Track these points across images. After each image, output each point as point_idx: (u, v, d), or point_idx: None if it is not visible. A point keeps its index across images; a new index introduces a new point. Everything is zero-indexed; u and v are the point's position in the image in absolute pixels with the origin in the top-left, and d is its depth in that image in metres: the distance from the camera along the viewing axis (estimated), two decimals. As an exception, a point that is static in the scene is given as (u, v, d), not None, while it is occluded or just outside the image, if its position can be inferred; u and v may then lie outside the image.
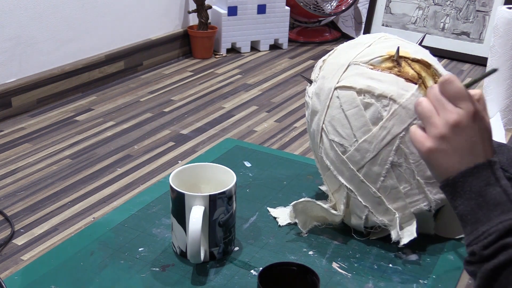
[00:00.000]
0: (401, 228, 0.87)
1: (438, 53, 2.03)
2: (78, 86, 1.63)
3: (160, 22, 1.93)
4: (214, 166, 0.89)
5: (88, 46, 1.68)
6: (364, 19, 2.32)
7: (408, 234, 0.87)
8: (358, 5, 2.37)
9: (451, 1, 2.08)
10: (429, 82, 0.83)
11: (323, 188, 1.04)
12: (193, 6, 1.99)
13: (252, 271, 0.83)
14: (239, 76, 1.81)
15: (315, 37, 2.33)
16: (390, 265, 0.86)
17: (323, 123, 0.88)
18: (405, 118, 0.82)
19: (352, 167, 0.86)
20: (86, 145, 1.29)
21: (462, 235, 0.84)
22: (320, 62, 0.93)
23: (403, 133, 0.83)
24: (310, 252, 0.88)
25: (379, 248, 0.89)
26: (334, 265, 0.85)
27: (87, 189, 1.09)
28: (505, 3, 1.96)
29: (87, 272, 0.83)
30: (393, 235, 0.86)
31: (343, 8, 2.27)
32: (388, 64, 0.84)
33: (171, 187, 0.83)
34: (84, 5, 1.64)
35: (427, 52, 0.88)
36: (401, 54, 0.84)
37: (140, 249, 0.88)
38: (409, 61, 0.84)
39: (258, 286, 0.69)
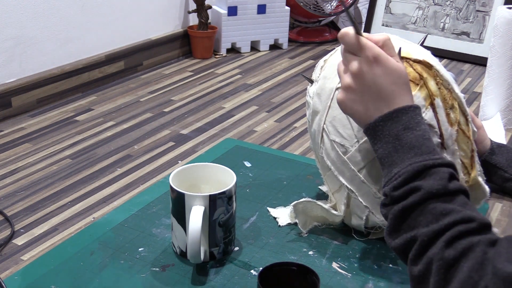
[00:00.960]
0: None
1: (438, 53, 2.03)
2: (78, 86, 1.63)
3: (160, 22, 1.93)
4: (214, 166, 0.90)
5: (88, 46, 1.68)
6: (364, 19, 2.32)
7: None
8: (358, 5, 2.37)
9: (451, 1, 2.08)
10: (430, 82, 0.83)
11: (324, 188, 1.04)
12: (193, 6, 1.99)
13: (252, 271, 0.83)
14: (239, 76, 1.81)
15: (315, 37, 2.33)
16: (390, 265, 0.86)
17: (324, 123, 0.88)
18: None
19: (353, 167, 0.86)
20: (86, 145, 1.29)
21: None
22: (321, 62, 0.93)
23: None
24: (310, 252, 0.88)
25: (379, 248, 0.89)
26: (334, 265, 0.85)
27: (87, 189, 1.09)
28: (505, 3, 1.96)
29: (87, 272, 0.83)
30: None
31: (343, 8, 2.27)
32: None
33: (171, 187, 0.83)
34: (84, 5, 1.64)
35: (428, 52, 0.88)
36: (403, 55, 0.84)
37: (140, 249, 0.88)
38: (411, 62, 0.84)
39: (258, 286, 0.69)
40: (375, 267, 0.85)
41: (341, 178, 0.88)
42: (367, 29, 2.25)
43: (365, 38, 0.73)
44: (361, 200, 0.87)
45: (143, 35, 1.87)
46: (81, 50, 1.66)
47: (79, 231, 0.94)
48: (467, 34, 2.03)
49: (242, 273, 0.83)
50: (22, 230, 0.96)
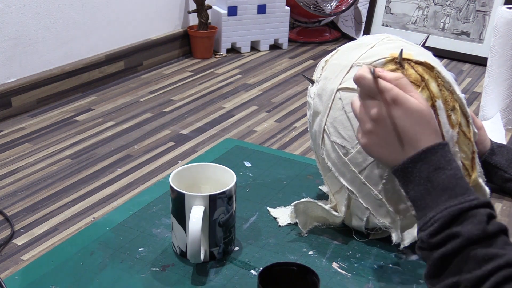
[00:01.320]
0: (403, 230, 0.87)
1: (438, 53, 2.03)
2: (78, 86, 1.63)
3: (160, 22, 1.93)
4: (214, 166, 0.89)
5: (88, 46, 1.68)
6: (364, 19, 2.32)
7: (409, 236, 0.86)
8: (358, 5, 2.36)
9: (451, 1, 2.08)
10: (432, 84, 0.83)
11: (324, 188, 1.04)
12: (193, 6, 1.99)
13: (252, 271, 0.83)
14: (239, 76, 1.81)
15: (315, 37, 2.33)
16: (390, 265, 0.86)
17: (325, 124, 0.88)
18: None
19: (353, 169, 0.86)
20: (86, 145, 1.29)
21: None
22: (322, 62, 0.93)
23: None
24: (310, 252, 0.88)
25: (379, 248, 0.89)
26: (334, 265, 0.85)
27: (87, 189, 1.09)
28: (505, 3, 1.96)
29: (87, 272, 0.83)
30: (394, 238, 0.86)
31: (343, 8, 2.27)
32: (391, 66, 0.83)
33: (171, 187, 0.83)
34: (84, 5, 1.64)
35: (430, 54, 0.88)
36: (404, 56, 0.83)
37: (140, 249, 0.88)
38: (412, 63, 0.83)
39: (258, 286, 0.69)
40: (375, 267, 0.85)
41: (341, 180, 0.88)
42: (367, 29, 2.25)
43: (381, 76, 0.72)
44: (361, 201, 0.87)
45: (143, 35, 1.87)
46: (81, 50, 1.66)
47: (79, 231, 0.94)
48: (467, 34, 2.03)
49: (242, 273, 0.83)
50: (22, 230, 0.96)
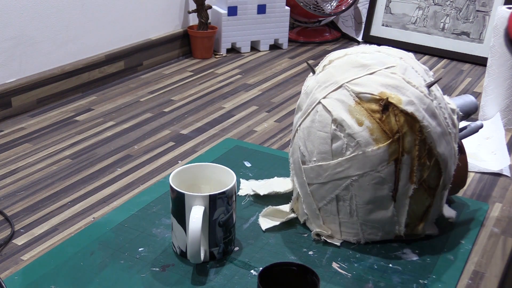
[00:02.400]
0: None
1: (438, 53, 2.03)
2: (78, 86, 1.63)
3: (160, 22, 1.93)
4: (214, 166, 0.90)
5: (88, 46, 1.68)
6: (364, 19, 2.32)
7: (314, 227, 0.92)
8: (358, 5, 2.36)
9: (451, 1, 2.08)
10: (407, 139, 0.81)
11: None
12: (193, 6, 1.99)
13: (252, 271, 0.83)
14: (239, 76, 1.81)
15: (315, 37, 2.33)
16: (390, 265, 0.86)
17: (299, 125, 0.89)
18: (363, 166, 0.82)
19: (304, 179, 0.88)
20: (86, 145, 1.28)
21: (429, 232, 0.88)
22: (327, 59, 0.91)
23: (356, 177, 0.83)
24: (310, 252, 0.88)
25: (379, 248, 0.89)
26: (334, 265, 0.85)
27: (87, 189, 1.09)
28: (505, 3, 1.96)
29: (87, 272, 0.83)
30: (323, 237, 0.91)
31: (343, 8, 2.27)
32: (374, 106, 0.82)
33: (171, 187, 0.83)
34: (84, 5, 1.64)
35: (429, 102, 0.84)
36: (393, 100, 0.81)
37: (140, 249, 0.88)
38: (397, 111, 0.81)
39: (258, 286, 0.69)
40: (375, 267, 0.85)
41: (294, 179, 0.92)
42: (367, 29, 2.25)
43: None
44: (304, 206, 0.91)
45: (143, 35, 1.87)
46: (81, 50, 1.66)
47: (79, 231, 0.94)
48: (467, 34, 2.03)
49: (242, 273, 0.83)
50: (22, 230, 0.96)
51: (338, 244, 0.89)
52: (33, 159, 1.22)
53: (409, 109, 0.81)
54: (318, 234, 0.91)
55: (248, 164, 1.14)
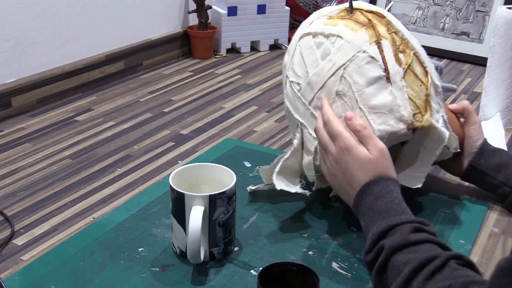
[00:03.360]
0: None
1: (438, 53, 2.03)
2: (78, 86, 1.63)
3: (160, 22, 1.93)
4: (214, 166, 0.90)
5: (88, 46, 1.68)
6: (364, 19, 2.32)
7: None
8: (358, 5, 2.37)
9: (451, 1, 2.08)
10: (380, 27, 0.91)
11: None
12: (193, 6, 1.99)
13: (252, 271, 0.83)
14: (239, 76, 1.81)
15: (315, 37, 2.33)
16: (390, 265, 0.85)
17: (287, 71, 0.97)
18: (349, 51, 0.90)
19: (304, 101, 0.93)
20: (86, 145, 1.28)
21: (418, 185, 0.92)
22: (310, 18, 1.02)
23: (347, 63, 0.90)
24: (310, 252, 0.88)
25: (379, 248, 0.89)
26: (334, 265, 0.85)
27: (87, 189, 1.09)
28: (505, 3, 1.95)
29: (87, 272, 0.83)
30: None
31: (343, 8, 2.28)
32: (343, 13, 0.95)
33: (171, 187, 0.83)
34: (84, 5, 1.64)
35: (387, 12, 0.96)
36: (357, 7, 0.94)
37: (140, 249, 0.88)
38: (363, 11, 0.94)
39: (258, 286, 0.69)
40: (375, 267, 0.85)
41: (295, 115, 0.95)
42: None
43: (351, 119, 0.83)
44: (310, 132, 0.93)
45: (143, 35, 1.87)
46: (81, 50, 1.66)
47: (79, 231, 0.94)
48: (467, 34, 2.03)
49: (242, 273, 0.83)
50: (22, 230, 0.96)
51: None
52: (33, 159, 1.22)
53: (375, 8, 0.94)
54: None
55: (248, 164, 1.14)
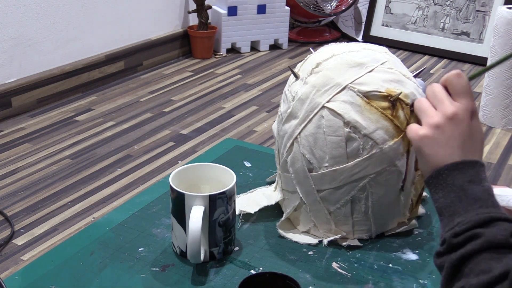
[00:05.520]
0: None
1: (438, 53, 2.03)
2: (78, 86, 1.63)
3: (160, 22, 1.93)
4: (214, 166, 0.89)
5: (88, 46, 1.68)
6: (364, 19, 2.32)
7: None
8: (358, 5, 2.36)
9: (451, 1, 2.08)
10: None
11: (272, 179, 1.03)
12: (193, 6, 1.99)
13: (252, 271, 0.83)
14: (239, 76, 1.81)
15: (315, 37, 2.33)
16: (390, 265, 0.86)
17: (299, 134, 0.86)
18: (380, 163, 0.83)
19: (313, 186, 0.86)
20: (86, 145, 1.28)
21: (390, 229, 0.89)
22: (312, 61, 0.89)
23: (374, 175, 0.84)
24: (310, 252, 0.88)
25: (379, 248, 0.89)
26: (334, 265, 0.85)
27: (87, 189, 1.09)
28: (505, 3, 1.95)
29: (87, 272, 0.83)
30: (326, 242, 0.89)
31: (343, 8, 2.27)
32: (383, 103, 0.82)
33: (171, 187, 0.83)
34: (84, 5, 1.64)
35: (420, 91, 0.87)
36: (402, 95, 0.83)
37: (140, 249, 0.88)
38: (404, 105, 0.83)
39: None
40: (375, 267, 0.85)
41: (297, 188, 0.88)
42: (367, 29, 2.25)
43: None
44: (310, 214, 0.89)
45: (143, 35, 1.87)
46: (81, 50, 1.66)
47: (79, 231, 0.94)
48: (467, 34, 2.03)
49: (242, 273, 0.83)
50: (22, 230, 0.96)
51: (359, 244, 0.88)
52: (33, 159, 1.22)
53: (413, 100, 0.84)
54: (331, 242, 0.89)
55: (248, 164, 1.14)
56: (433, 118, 0.73)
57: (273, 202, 0.97)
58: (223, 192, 0.82)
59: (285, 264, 0.84)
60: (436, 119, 0.73)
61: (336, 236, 0.89)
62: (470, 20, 2.04)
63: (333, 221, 0.88)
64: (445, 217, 0.69)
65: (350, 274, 0.83)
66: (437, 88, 0.74)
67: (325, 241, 0.89)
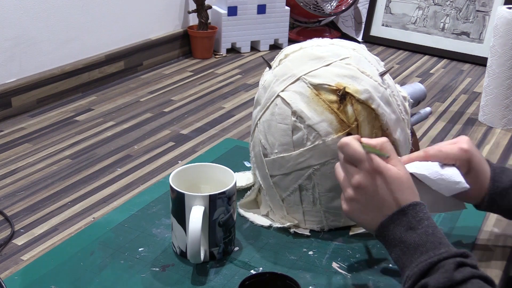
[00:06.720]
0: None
1: (438, 53, 2.03)
2: (78, 86, 1.63)
3: (160, 22, 1.93)
4: (214, 166, 0.90)
5: (88, 46, 1.68)
6: (364, 19, 2.32)
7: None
8: (358, 5, 2.37)
9: (451, 1, 2.08)
10: (365, 127, 0.84)
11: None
12: (193, 6, 1.99)
13: (252, 271, 0.83)
14: (239, 76, 1.81)
15: (315, 37, 2.33)
16: (390, 265, 0.86)
17: (259, 119, 0.91)
18: (324, 155, 0.85)
19: (267, 171, 0.90)
20: (86, 145, 1.28)
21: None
22: (282, 54, 0.94)
23: (318, 166, 0.86)
24: (310, 252, 0.88)
25: (379, 248, 0.89)
26: (334, 265, 0.85)
27: (87, 189, 1.09)
28: (505, 3, 1.95)
29: (87, 272, 0.83)
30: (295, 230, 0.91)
31: (343, 8, 2.27)
32: (331, 96, 0.85)
33: (171, 187, 0.83)
34: (84, 5, 1.64)
35: (383, 90, 0.87)
36: (350, 90, 0.84)
37: (140, 249, 0.88)
38: (354, 100, 0.84)
39: None
40: (375, 267, 0.85)
41: (256, 172, 0.93)
42: (367, 29, 2.25)
43: (366, 143, 0.75)
44: (267, 198, 0.92)
45: (143, 35, 1.87)
46: (81, 50, 1.66)
47: (79, 231, 0.94)
48: (467, 34, 2.03)
49: (242, 273, 0.83)
50: (22, 230, 0.96)
51: (307, 233, 0.90)
52: (33, 159, 1.22)
53: (365, 97, 0.85)
54: (287, 228, 0.91)
55: (248, 164, 1.14)
56: (346, 192, 0.77)
57: (243, 184, 1.01)
58: (223, 192, 0.82)
59: (285, 264, 0.85)
60: (348, 193, 0.76)
61: (285, 225, 0.90)
62: (470, 20, 2.04)
63: (285, 207, 0.91)
64: (400, 270, 0.72)
65: (350, 274, 0.83)
66: (342, 160, 0.77)
67: (274, 226, 0.92)
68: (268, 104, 0.90)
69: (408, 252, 0.71)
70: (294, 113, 0.86)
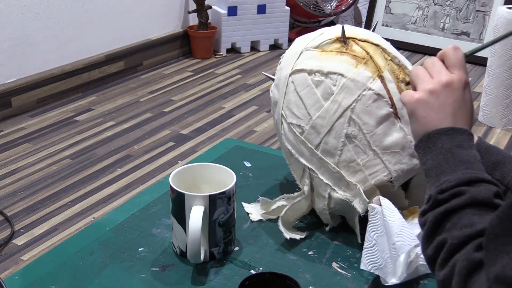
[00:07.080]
0: (367, 197, 0.88)
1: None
2: (78, 86, 1.63)
3: (160, 22, 1.93)
4: (214, 166, 0.89)
5: (88, 46, 1.68)
6: (364, 19, 2.32)
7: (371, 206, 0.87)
8: (358, 5, 2.36)
9: (451, 1, 2.08)
10: (377, 58, 0.87)
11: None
12: (193, 6, 1.99)
13: (252, 271, 0.83)
14: (239, 76, 1.81)
15: (315, 37, 2.33)
16: (390, 265, 0.85)
17: (282, 109, 0.91)
18: (354, 90, 0.86)
19: (310, 145, 0.88)
20: (86, 145, 1.29)
21: None
22: (281, 58, 0.98)
23: (354, 104, 0.86)
24: (310, 252, 0.88)
25: (379, 248, 0.89)
26: (334, 265, 0.85)
27: (87, 189, 1.09)
28: (505, 3, 1.95)
29: (87, 272, 0.83)
30: (358, 208, 0.86)
31: (343, 8, 2.27)
32: (336, 45, 0.89)
33: (171, 187, 0.83)
34: (84, 5, 1.64)
35: (378, 36, 0.92)
36: (350, 35, 0.89)
37: (140, 249, 0.88)
38: (357, 41, 0.89)
39: None
40: (375, 267, 0.85)
41: (301, 160, 0.90)
42: (367, 29, 2.26)
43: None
44: (321, 177, 0.89)
45: (143, 35, 1.87)
46: (81, 50, 1.66)
47: (79, 231, 0.94)
48: (467, 34, 2.03)
49: (242, 273, 0.83)
50: (22, 230, 0.96)
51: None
52: (33, 159, 1.22)
53: (366, 37, 0.89)
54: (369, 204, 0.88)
55: (248, 164, 1.14)
56: (429, 84, 0.76)
57: (304, 206, 0.95)
58: (223, 192, 0.82)
59: (285, 264, 0.85)
60: (431, 85, 0.75)
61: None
62: (470, 20, 2.04)
63: (343, 173, 0.87)
64: (432, 178, 0.71)
65: (350, 274, 0.83)
66: (434, 60, 0.77)
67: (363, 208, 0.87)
68: (285, 90, 0.91)
69: (454, 163, 0.70)
70: (310, 72, 0.88)
